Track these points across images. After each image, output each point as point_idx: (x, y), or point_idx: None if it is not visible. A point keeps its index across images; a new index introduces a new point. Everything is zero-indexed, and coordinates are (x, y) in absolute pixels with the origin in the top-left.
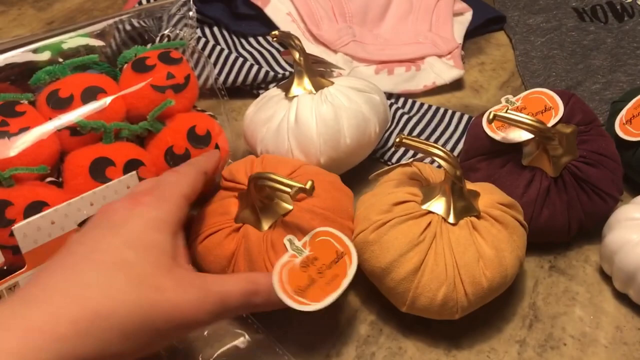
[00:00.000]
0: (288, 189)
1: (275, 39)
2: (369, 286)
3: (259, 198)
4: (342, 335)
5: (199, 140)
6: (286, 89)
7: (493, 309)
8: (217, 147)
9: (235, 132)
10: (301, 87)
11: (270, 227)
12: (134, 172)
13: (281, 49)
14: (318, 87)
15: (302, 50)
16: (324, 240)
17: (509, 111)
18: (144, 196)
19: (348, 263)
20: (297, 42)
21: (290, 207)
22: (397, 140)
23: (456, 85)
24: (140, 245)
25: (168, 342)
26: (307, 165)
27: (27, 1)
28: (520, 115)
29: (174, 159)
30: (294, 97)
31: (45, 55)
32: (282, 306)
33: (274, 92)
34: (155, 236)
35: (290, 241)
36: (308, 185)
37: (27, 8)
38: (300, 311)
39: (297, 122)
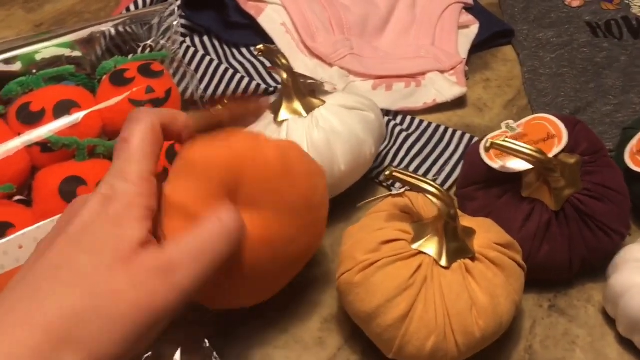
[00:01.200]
0: None
1: (260, 53)
2: (353, 322)
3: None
4: None
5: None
6: (274, 112)
7: (486, 352)
8: None
9: None
10: (290, 109)
11: None
12: None
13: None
14: (308, 108)
15: (289, 70)
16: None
17: (507, 139)
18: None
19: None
20: (283, 60)
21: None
22: (387, 173)
23: (458, 102)
24: (94, 246)
25: (149, 342)
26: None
27: (18, 2)
28: (518, 145)
29: None
30: (284, 121)
31: (17, 66)
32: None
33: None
34: (113, 231)
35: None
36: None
37: (16, 9)
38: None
39: None
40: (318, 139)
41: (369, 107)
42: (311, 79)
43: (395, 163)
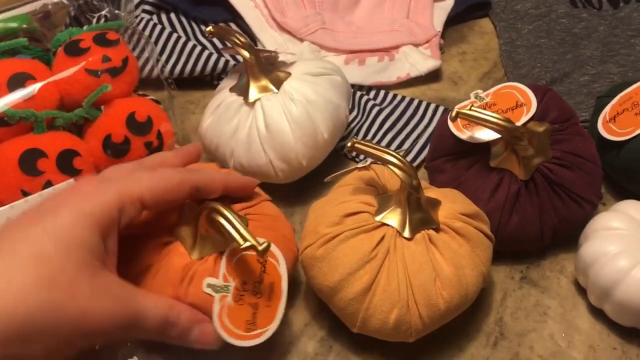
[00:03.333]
0: (240, 240)
1: (211, 35)
2: (320, 299)
3: (205, 226)
4: (287, 353)
5: (139, 127)
6: (243, 93)
7: (454, 325)
8: (159, 134)
9: (192, 127)
10: (259, 88)
11: (200, 259)
12: (71, 180)
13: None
14: (277, 83)
15: (250, 48)
16: (241, 257)
17: (473, 108)
18: (87, 185)
19: (275, 263)
20: (241, 38)
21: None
22: (349, 145)
23: (433, 76)
24: (65, 240)
25: (73, 350)
26: (266, 203)
27: None
28: (484, 113)
29: (112, 148)
30: (256, 101)
31: None
32: (199, 346)
33: (229, 97)
34: (85, 234)
35: (211, 286)
36: (262, 247)
37: None
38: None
39: (269, 130)
40: (298, 113)
41: (333, 70)
42: (267, 51)
43: (368, 137)
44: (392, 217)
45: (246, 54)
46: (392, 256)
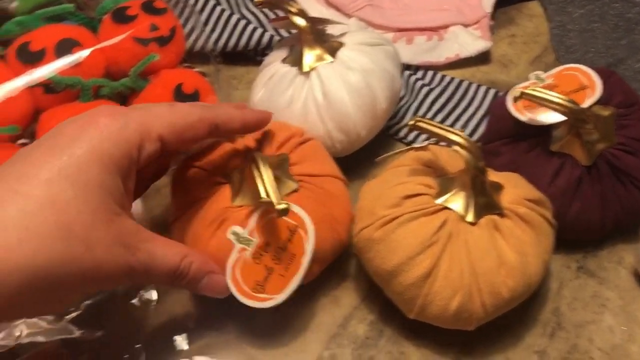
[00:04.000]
0: (262, 193)
1: (261, 5)
2: (371, 281)
3: (250, 175)
4: (337, 336)
5: (186, 99)
6: (297, 63)
7: (510, 313)
8: None
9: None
10: (314, 57)
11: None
12: None
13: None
14: (332, 52)
15: (305, 15)
16: (272, 218)
17: (537, 88)
18: (105, 116)
19: (304, 237)
20: (296, 6)
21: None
22: (412, 122)
23: (482, 58)
24: (82, 183)
25: (82, 296)
26: (332, 179)
27: None
28: (550, 94)
29: None
30: (311, 70)
31: (13, 5)
32: (207, 294)
33: (282, 68)
34: (104, 176)
35: (235, 234)
36: (279, 207)
37: None
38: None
39: (327, 99)
40: (356, 81)
41: (386, 41)
42: (320, 20)
43: None
44: (455, 201)
45: (302, 21)
46: (455, 241)
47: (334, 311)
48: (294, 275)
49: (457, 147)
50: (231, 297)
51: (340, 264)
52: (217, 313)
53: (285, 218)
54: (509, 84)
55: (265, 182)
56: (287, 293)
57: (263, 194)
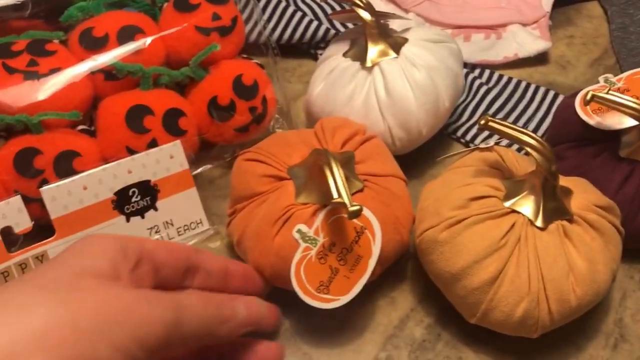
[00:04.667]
0: (335, 193)
1: None
2: (427, 282)
3: (316, 173)
4: (393, 337)
5: (246, 91)
6: (359, 58)
7: (571, 323)
8: (264, 100)
9: (288, 96)
10: (378, 52)
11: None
12: (177, 142)
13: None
14: (396, 47)
15: (372, 9)
16: (339, 218)
17: (611, 92)
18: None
19: (371, 239)
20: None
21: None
22: (482, 122)
23: (540, 59)
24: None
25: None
26: (396, 180)
27: None
28: (625, 98)
29: (217, 110)
30: (374, 65)
31: None
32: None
33: (344, 62)
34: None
35: (300, 232)
36: (352, 208)
37: None
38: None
39: (390, 96)
40: (421, 79)
41: (449, 38)
42: (385, 14)
43: (475, 118)
44: (524, 204)
45: (367, 15)
46: (523, 246)
47: (390, 312)
48: (360, 277)
49: (529, 149)
50: (287, 294)
51: (397, 265)
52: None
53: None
54: (567, 86)
55: (337, 181)
56: (352, 295)
57: (335, 195)
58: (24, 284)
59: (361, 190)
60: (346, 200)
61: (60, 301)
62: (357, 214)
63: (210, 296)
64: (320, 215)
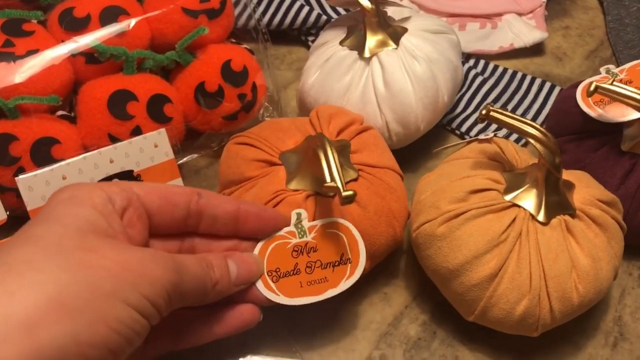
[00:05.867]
0: (328, 177)
1: None
2: (423, 278)
3: (309, 160)
4: (387, 335)
5: (235, 77)
6: (356, 47)
7: (570, 320)
8: (253, 86)
9: (278, 84)
10: (376, 42)
11: (294, 191)
12: (162, 130)
13: None
14: (395, 38)
15: None
16: (336, 234)
17: (615, 83)
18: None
19: (347, 274)
20: None
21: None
22: (484, 112)
23: (536, 49)
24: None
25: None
26: (393, 173)
27: None
28: (630, 89)
29: (205, 97)
30: (373, 56)
31: None
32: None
33: (341, 51)
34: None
35: (298, 216)
36: (345, 193)
37: None
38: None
39: (388, 89)
40: (422, 72)
41: (449, 29)
42: (383, 2)
43: (470, 109)
44: (526, 198)
45: (367, 3)
46: (524, 241)
47: (384, 309)
48: (310, 295)
49: (532, 141)
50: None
51: (391, 260)
52: (265, 310)
53: (346, 244)
54: (563, 77)
55: (332, 165)
56: (290, 302)
57: (328, 178)
58: (29, 245)
59: (355, 180)
60: (339, 185)
61: (72, 265)
62: (350, 199)
63: (204, 257)
64: (324, 220)
